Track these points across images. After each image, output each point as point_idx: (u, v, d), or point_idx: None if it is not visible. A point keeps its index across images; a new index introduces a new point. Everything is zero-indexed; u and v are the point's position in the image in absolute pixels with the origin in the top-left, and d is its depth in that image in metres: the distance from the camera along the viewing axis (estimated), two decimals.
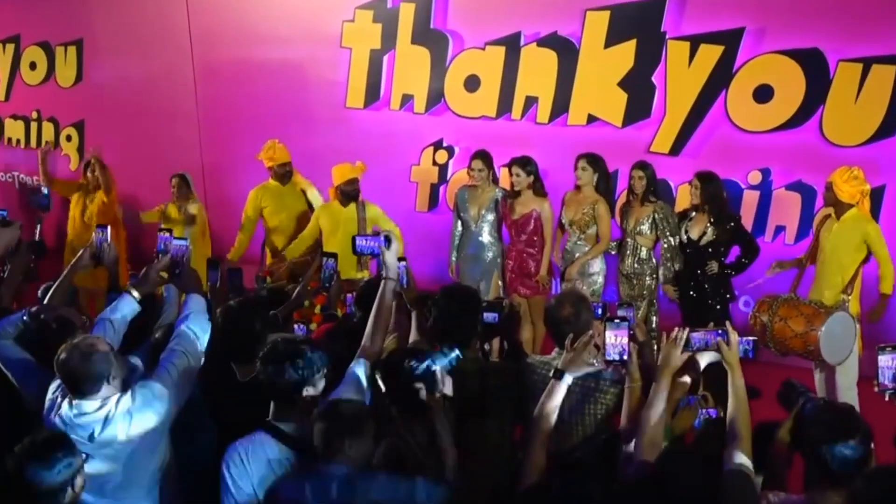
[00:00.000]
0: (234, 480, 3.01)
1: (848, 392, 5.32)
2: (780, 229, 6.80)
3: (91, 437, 3.13)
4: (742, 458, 2.83)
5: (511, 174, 6.38)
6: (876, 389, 3.02)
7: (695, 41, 6.80)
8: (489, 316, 3.84)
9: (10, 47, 9.70)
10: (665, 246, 6.16)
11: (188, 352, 3.40)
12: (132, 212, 8.24)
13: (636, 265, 6.27)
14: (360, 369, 3.35)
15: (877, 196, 6.22)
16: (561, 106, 7.35)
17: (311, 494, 2.85)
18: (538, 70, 7.39)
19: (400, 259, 3.81)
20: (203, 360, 3.49)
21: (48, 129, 9.67)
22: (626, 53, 7.05)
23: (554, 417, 3.15)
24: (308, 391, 3.09)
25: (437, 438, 3.08)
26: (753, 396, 3.10)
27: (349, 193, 6.54)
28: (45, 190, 7.55)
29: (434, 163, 7.98)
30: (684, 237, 6.07)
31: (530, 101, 7.46)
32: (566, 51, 7.28)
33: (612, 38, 7.07)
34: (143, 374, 3.37)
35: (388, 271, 3.61)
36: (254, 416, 3.14)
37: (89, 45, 9.29)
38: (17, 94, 9.82)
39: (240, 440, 3.06)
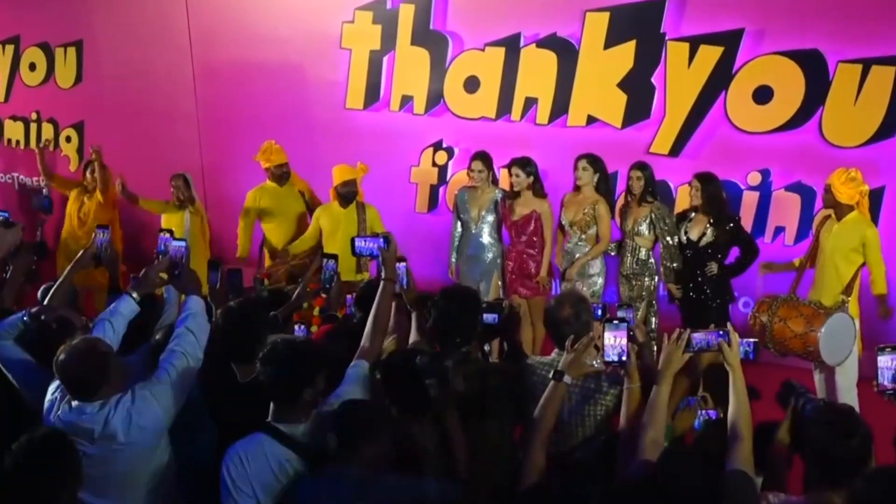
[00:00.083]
0: (233, 481, 3.01)
1: (847, 393, 5.32)
2: (779, 230, 6.80)
3: (91, 438, 3.13)
4: (743, 459, 2.84)
5: (511, 175, 6.39)
6: (875, 390, 3.02)
7: (694, 42, 6.80)
8: (489, 317, 3.84)
9: (10, 48, 9.69)
10: (663, 245, 6.16)
11: (187, 353, 3.40)
12: (131, 213, 8.26)
13: (635, 266, 6.27)
14: (359, 370, 3.36)
15: (876, 197, 6.23)
16: (560, 107, 7.35)
17: (325, 495, 2.86)
18: (538, 71, 7.39)
19: (400, 260, 3.81)
20: (202, 360, 3.49)
21: (48, 130, 9.65)
22: (625, 54, 7.05)
23: (554, 418, 3.15)
24: (308, 392, 3.09)
25: (448, 435, 3.09)
26: (753, 397, 3.10)
27: (345, 195, 6.55)
28: (46, 192, 7.54)
29: (434, 164, 7.98)
30: (683, 238, 6.07)
31: (530, 102, 7.46)
32: (566, 52, 7.28)
33: (612, 39, 7.07)
34: (142, 375, 3.37)
35: (388, 272, 3.62)
36: (254, 416, 3.14)
37: (89, 46, 9.28)
38: (17, 95, 9.81)
39: (240, 441, 3.06)
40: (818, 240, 5.69)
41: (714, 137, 6.88)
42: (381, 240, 3.72)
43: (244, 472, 3.01)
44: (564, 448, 3.39)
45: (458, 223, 6.71)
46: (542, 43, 7.36)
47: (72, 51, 9.35)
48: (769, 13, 6.61)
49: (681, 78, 6.89)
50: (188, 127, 8.80)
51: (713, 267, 5.92)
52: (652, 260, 6.28)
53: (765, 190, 6.80)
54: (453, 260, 6.73)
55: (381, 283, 3.60)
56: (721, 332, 3.08)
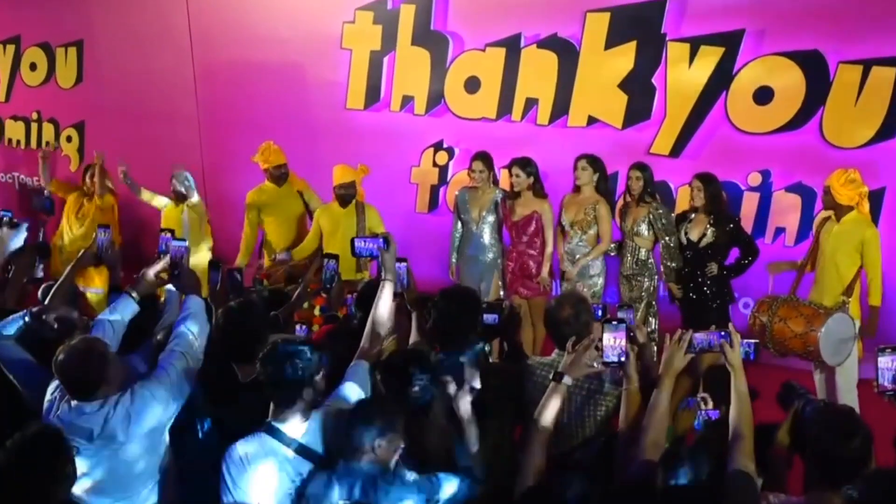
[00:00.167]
0: (234, 481, 3.01)
1: (848, 394, 5.31)
2: (779, 231, 6.80)
3: (90, 438, 3.14)
4: (745, 460, 2.84)
5: (511, 175, 6.39)
6: (876, 391, 3.02)
7: (695, 43, 6.80)
8: (489, 317, 3.85)
9: (11, 48, 9.70)
10: (663, 245, 6.16)
11: (187, 352, 3.41)
12: (131, 213, 8.27)
13: (635, 266, 6.27)
14: (359, 370, 3.36)
15: (877, 198, 6.22)
16: (561, 107, 7.35)
17: (337, 493, 2.87)
18: (538, 71, 7.39)
19: (400, 260, 3.81)
20: (201, 360, 3.49)
21: (48, 130, 9.67)
22: (626, 55, 7.05)
23: (553, 420, 3.15)
24: (308, 392, 3.10)
25: (462, 432, 3.11)
26: (753, 398, 3.10)
27: (342, 196, 6.55)
28: (48, 193, 7.54)
29: (434, 164, 7.98)
30: (683, 239, 6.07)
31: (530, 103, 7.46)
32: (566, 52, 7.28)
33: (613, 40, 7.07)
34: (144, 375, 3.38)
35: (387, 273, 3.62)
36: (254, 416, 3.15)
37: (90, 47, 9.29)
38: (18, 95, 9.82)
39: (240, 441, 3.07)
40: (818, 241, 5.68)
41: (714, 138, 6.88)
42: (381, 240, 3.73)
43: (244, 472, 3.01)
44: (564, 448, 3.39)
45: (459, 223, 6.71)
46: (543, 43, 7.36)
47: (72, 51, 9.36)
48: (770, 14, 6.60)
49: (681, 78, 6.89)
50: (189, 127, 8.81)
51: (713, 267, 5.92)
52: (652, 260, 6.28)
53: (765, 191, 6.80)
54: (454, 260, 6.73)
55: (381, 283, 3.61)
56: (723, 333, 3.09)
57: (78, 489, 3.16)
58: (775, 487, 2.95)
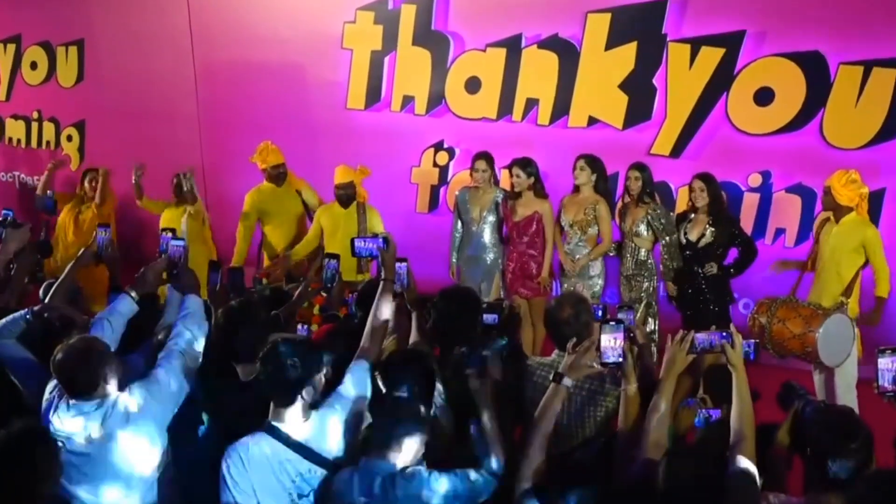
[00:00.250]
0: (234, 481, 3.01)
1: (847, 395, 5.32)
2: (780, 232, 6.81)
3: (88, 437, 3.14)
4: (746, 460, 2.84)
5: (511, 176, 6.39)
6: (876, 392, 3.02)
7: (696, 44, 6.81)
8: (489, 317, 3.85)
9: (12, 47, 9.70)
10: (662, 244, 6.16)
11: (185, 352, 3.41)
12: (131, 215, 8.27)
13: (634, 267, 6.27)
14: (359, 370, 3.36)
15: (877, 199, 6.23)
16: (562, 108, 7.35)
17: (358, 487, 2.89)
18: (539, 72, 7.39)
19: (401, 260, 3.82)
20: (200, 359, 3.49)
21: (49, 129, 9.67)
22: (626, 56, 7.05)
23: (553, 421, 3.15)
24: (308, 391, 3.10)
25: (483, 426, 3.13)
26: (754, 398, 3.11)
27: (340, 197, 6.56)
28: (50, 193, 7.55)
29: (434, 164, 7.98)
30: (683, 239, 6.07)
31: (531, 103, 7.46)
32: (567, 53, 7.28)
33: (613, 41, 7.08)
34: (144, 374, 3.38)
35: (387, 273, 3.63)
36: (254, 415, 3.15)
37: (90, 46, 9.29)
38: (18, 94, 9.82)
39: (240, 441, 3.07)
40: (818, 243, 5.68)
41: (715, 139, 6.89)
42: (381, 240, 3.73)
43: (244, 472, 3.01)
44: (564, 449, 3.39)
45: (459, 223, 6.72)
46: (544, 44, 7.36)
47: (73, 50, 9.36)
48: (770, 15, 6.61)
49: (682, 79, 6.89)
50: (189, 127, 8.81)
51: (713, 267, 5.92)
52: (651, 261, 6.28)
53: (765, 191, 6.81)
54: (454, 260, 6.73)
55: (381, 283, 3.61)
56: (724, 334, 3.10)
57: (76, 489, 3.18)
58: (775, 488, 2.95)
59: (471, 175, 6.61)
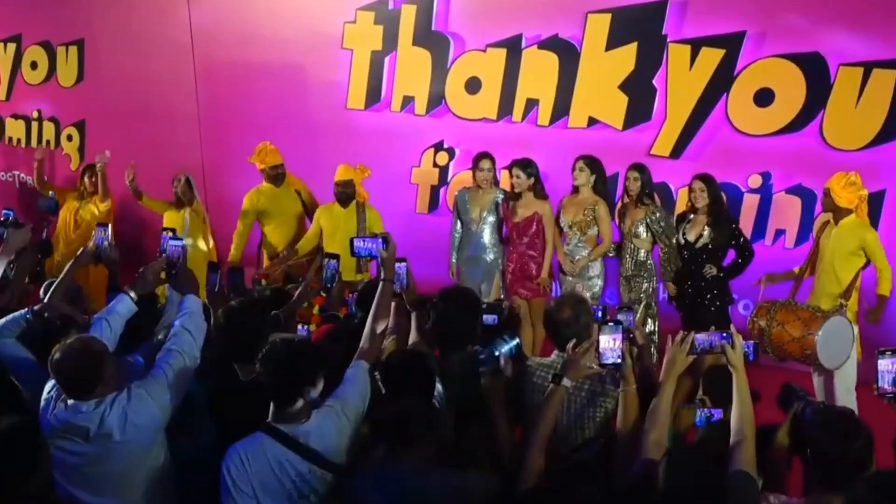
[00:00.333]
0: (234, 481, 3.01)
1: (846, 396, 5.32)
2: (779, 233, 6.80)
3: (86, 437, 3.13)
4: (746, 461, 2.84)
5: (511, 176, 6.39)
6: (875, 393, 3.02)
7: (696, 44, 6.81)
8: (489, 318, 3.85)
9: (12, 47, 9.69)
10: (662, 249, 6.16)
11: (184, 351, 3.40)
12: (131, 214, 8.26)
13: (633, 268, 6.27)
14: (359, 370, 3.36)
15: (877, 200, 6.23)
16: (562, 108, 7.35)
17: (373, 490, 2.90)
18: (539, 72, 7.39)
19: (400, 260, 3.81)
20: (198, 359, 3.49)
21: (49, 129, 9.66)
22: (627, 56, 7.05)
23: (553, 422, 3.16)
24: (307, 392, 3.09)
25: (493, 424, 3.15)
26: (754, 400, 3.11)
27: (339, 195, 6.56)
28: (52, 194, 7.55)
29: (434, 164, 7.98)
30: (682, 239, 6.07)
31: (531, 104, 7.46)
32: (567, 53, 7.28)
33: (614, 41, 7.08)
34: (141, 374, 3.37)
35: (386, 273, 3.62)
36: (255, 416, 3.14)
37: (91, 45, 9.28)
38: (18, 94, 9.81)
39: (240, 441, 3.07)
40: (818, 245, 5.68)
41: (715, 140, 6.89)
42: (380, 240, 3.72)
43: (244, 473, 3.01)
44: (564, 450, 3.39)
45: (458, 223, 6.72)
46: (544, 44, 7.36)
47: (73, 49, 9.35)
48: (771, 16, 6.61)
49: (682, 80, 6.89)
50: (189, 127, 8.80)
51: (712, 270, 5.92)
52: (651, 262, 6.28)
53: (765, 192, 6.81)
54: (454, 260, 6.73)
55: (380, 283, 3.61)
56: (724, 334, 3.10)
57: (74, 488, 3.18)
58: (775, 489, 2.95)
59: (474, 175, 6.61)
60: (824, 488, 2.74)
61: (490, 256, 6.59)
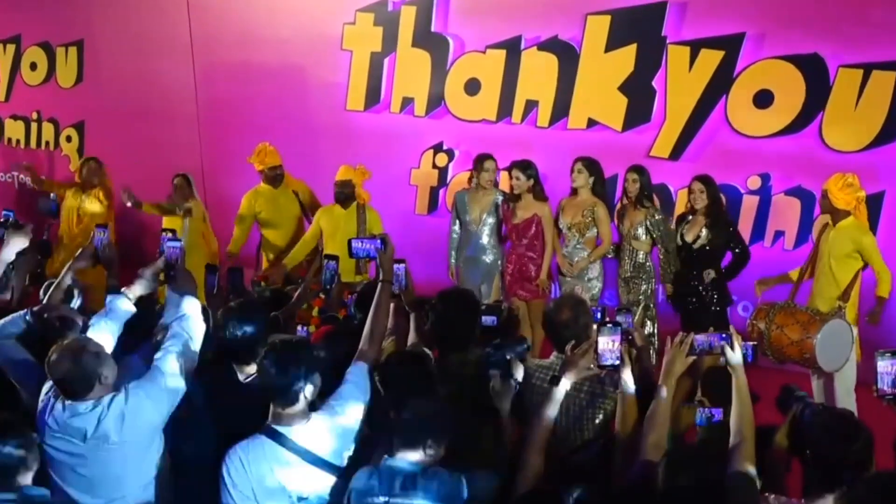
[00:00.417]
0: (234, 483, 3.02)
1: (846, 398, 5.32)
2: (779, 234, 6.80)
3: (84, 438, 3.13)
4: (745, 462, 2.84)
5: (511, 178, 6.39)
6: (875, 395, 3.02)
7: (695, 46, 6.81)
8: (488, 319, 3.85)
9: (11, 47, 9.70)
10: (661, 253, 6.17)
11: (182, 352, 3.39)
12: (131, 213, 8.25)
13: (632, 270, 6.27)
14: (358, 371, 3.36)
15: (876, 202, 6.23)
16: (561, 110, 7.35)
17: (377, 486, 2.91)
18: (539, 74, 7.39)
19: (399, 261, 3.81)
20: (197, 360, 3.48)
21: (48, 130, 9.67)
22: (626, 58, 7.05)
23: (551, 423, 3.15)
24: (307, 393, 3.09)
25: (499, 425, 3.16)
26: (753, 401, 3.11)
27: (338, 195, 6.56)
28: (53, 195, 7.57)
29: (434, 166, 7.99)
30: (680, 240, 6.07)
31: (531, 105, 7.46)
32: (567, 55, 7.28)
33: (613, 43, 7.08)
34: (138, 375, 3.37)
35: (385, 274, 3.62)
36: (253, 417, 3.14)
37: (90, 46, 9.29)
38: (18, 95, 9.82)
39: (240, 443, 3.07)
40: (818, 248, 5.68)
41: (714, 141, 6.89)
42: (378, 241, 3.72)
43: (244, 474, 3.01)
44: (564, 451, 3.39)
45: (457, 224, 6.71)
46: (544, 46, 7.36)
47: (73, 50, 9.36)
48: (770, 17, 6.61)
49: (681, 81, 6.89)
50: (188, 127, 8.81)
51: (711, 273, 5.91)
52: (650, 263, 6.28)
53: (764, 194, 6.81)
54: (453, 261, 6.73)
55: (379, 284, 3.60)
56: (724, 335, 3.10)
57: (72, 489, 3.18)
58: (774, 490, 2.94)
59: (478, 176, 6.58)
60: (824, 490, 2.73)
61: (489, 258, 6.59)
